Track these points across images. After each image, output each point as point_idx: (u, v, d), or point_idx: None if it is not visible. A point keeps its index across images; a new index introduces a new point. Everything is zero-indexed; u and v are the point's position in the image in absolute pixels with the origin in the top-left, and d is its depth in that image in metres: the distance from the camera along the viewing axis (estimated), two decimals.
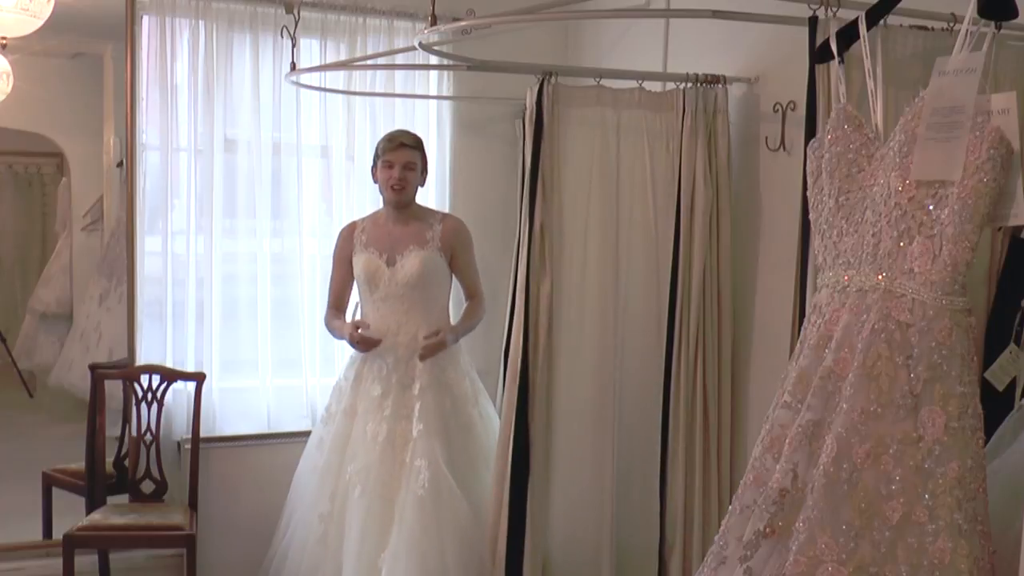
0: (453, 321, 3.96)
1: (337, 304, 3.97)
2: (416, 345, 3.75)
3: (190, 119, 4.12)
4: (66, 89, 4.55)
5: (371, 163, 3.86)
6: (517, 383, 3.47)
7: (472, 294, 3.98)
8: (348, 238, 3.93)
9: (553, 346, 3.52)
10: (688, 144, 3.54)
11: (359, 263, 3.85)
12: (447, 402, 3.77)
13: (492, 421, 3.88)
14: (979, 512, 2.08)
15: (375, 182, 3.86)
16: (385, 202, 3.87)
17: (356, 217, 4.07)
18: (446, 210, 4.39)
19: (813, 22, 2.60)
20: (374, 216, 3.98)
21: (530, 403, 3.46)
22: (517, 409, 3.47)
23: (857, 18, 2.36)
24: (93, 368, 4.08)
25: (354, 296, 3.97)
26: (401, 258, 3.80)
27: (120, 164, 4.30)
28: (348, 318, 3.95)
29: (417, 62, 4.27)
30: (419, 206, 3.93)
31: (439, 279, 3.86)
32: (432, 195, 4.45)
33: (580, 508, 3.69)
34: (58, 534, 3.91)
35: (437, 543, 3.55)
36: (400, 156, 3.76)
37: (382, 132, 4.35)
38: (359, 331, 3.75)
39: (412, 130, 3.94)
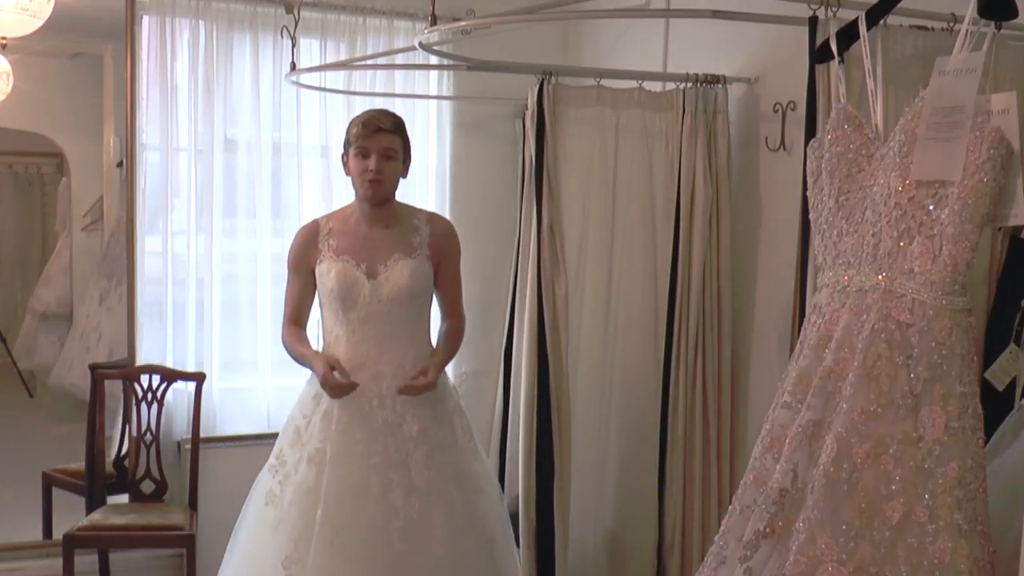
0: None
1: (296, 319, 3.31)
2: (404, 375, 3.12)
3: (190, 119, 4.12)
4: (66, 89, 4.55)
5: (342, 149, 3.26)
6: (536, 385, 3.44)
7: (452, 312, 3.32)
8: (311, 242, 3.26)
9: (556, 347, 3.51)
10: (688, 144, 3.54)
11: (330, 274, 3.17)
12: (451, 439, 3.22)
13: (484, 457, 3.42)
14: (979, 512, 2.08)
15: (347, 174, 3.25)
16: (358, 198, 3.23)
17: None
18: (446, 211, 4.35)
19: (813, 22, 2.60)
20: (342, 214, 3.31)
21: (552, 405, 3.44)
22: (539, 411, 3.44)
23: (857, 18, 2.36)
24: (93, 368, 4.09)
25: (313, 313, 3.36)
26: (385, 269, 3.16)
27: (120, 164, 4.31)
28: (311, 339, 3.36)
29: (417, 62, 4.27)
30: (400, 203, 3.30)
31: (427, 294, 3.25)
32: (432, 195, 4.45)
33: (579, 507, 3.69)
34: (58, 534, 3.92)
35: None
36: (377, 142, 3.12)
37: None
38: (335, 373, 3.04)
39: (410, 128, 3.33)
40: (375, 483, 3.04)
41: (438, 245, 3.25)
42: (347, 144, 3.20)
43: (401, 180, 3.23)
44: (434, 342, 3.30)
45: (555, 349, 3.43)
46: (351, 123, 3.21)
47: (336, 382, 3.03)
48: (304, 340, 3.27)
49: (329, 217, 3.34)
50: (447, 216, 4.44)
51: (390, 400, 3.11)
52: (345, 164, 3.24)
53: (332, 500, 3.03)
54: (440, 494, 3.10)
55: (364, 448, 3.06)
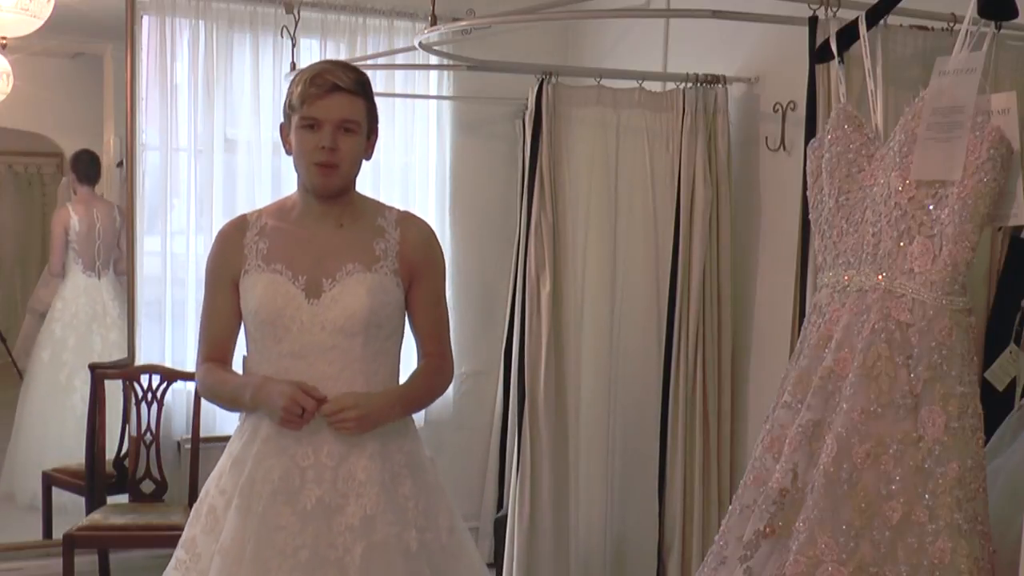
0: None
1: (218, 355, 2.39)
2: (353, 438, 2.24)
3: (190, 119, 4.13)
4: (66, 89, 4.55)
5: (282, 118, 2.36)
6: (516, 384, 3.47)
7: (433, 350, 2.41)
8: (233, 245, 2.37)
9: (553, 347, 3.51)
10: (688, 144, 3.54)
11: (255, 290, 2.30)
12: (411, 537, 2.27)
13: (469, 547, 2.47)
14: (979, 512, 2.08)
15: (287, 152, 2.34)
16: (302, 187, 2.35)
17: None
18: (445, 212, 4.33)
19: (813, 22, 2.60)
20: (279, 208, 2.43)
21: (527, 404, 3.47)
22: (518, 409, 3.48)
23: (857, 18, 2.36)
24: (93, 368, 4.09)
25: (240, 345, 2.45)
26: (331, 285, 2.28)
27: (120, 164, 4.31)
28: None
29: (417, 62, 4.28)
30: (360, 196, 2.42)
31: (393, 323, 2.35)
32: (432, 195, 4.44)
33: (578, 508, 3.69)
34: (58, 534, 3.91)
35: None
36: (332, 109, 2.22)
37: (382, 132, 4.33)
38: (304, 395, 2.18)
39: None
40: None
41: (410, 256, 2.36)
42: (288, 110, 2.30)
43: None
44: None
45: (533, 351, 3.44)
46: (293, 80, 2.30)
47: (309, 404, 2.19)
48: (230, 371, 2.38)
49: (261, 212, 2.44)
50: (446, 218, 4.46)
51: (331, 472, 2.24)
52: (284, 139, 2.35)
53: None
54: None
55: (287, 539, 2.21)
